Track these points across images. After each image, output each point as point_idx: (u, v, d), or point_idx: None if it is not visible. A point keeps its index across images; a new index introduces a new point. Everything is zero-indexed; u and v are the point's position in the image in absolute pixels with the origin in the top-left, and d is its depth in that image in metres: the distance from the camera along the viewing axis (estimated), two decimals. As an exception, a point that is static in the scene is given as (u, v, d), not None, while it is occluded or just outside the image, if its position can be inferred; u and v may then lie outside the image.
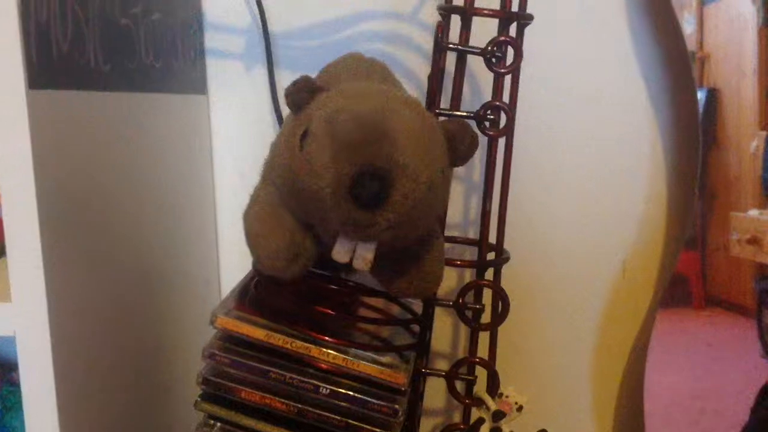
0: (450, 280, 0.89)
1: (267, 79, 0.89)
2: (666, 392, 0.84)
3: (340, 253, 0.54)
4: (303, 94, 0.56)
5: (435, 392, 0.88)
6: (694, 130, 0.83)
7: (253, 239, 0.58)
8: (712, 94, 0.84)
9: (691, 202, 0.86)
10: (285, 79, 0.89)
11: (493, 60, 0.65)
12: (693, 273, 0.86)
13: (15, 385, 0.84)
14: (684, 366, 0.82)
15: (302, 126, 0.54)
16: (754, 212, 0.82)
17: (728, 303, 0.83)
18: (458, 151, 0.57)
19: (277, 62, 0.90)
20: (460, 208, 0.91)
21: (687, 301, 0.85)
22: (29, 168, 0.52)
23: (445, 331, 0.93)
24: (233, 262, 0.94)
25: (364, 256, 0.54)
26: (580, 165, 0.89)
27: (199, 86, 0.90)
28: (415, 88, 0.87)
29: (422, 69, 0.85)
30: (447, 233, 0.72)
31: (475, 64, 0.70)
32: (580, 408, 0.95)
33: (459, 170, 0.89)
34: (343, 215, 0.51)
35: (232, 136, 0.93)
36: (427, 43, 0.86)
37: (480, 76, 0.85)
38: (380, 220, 0.51)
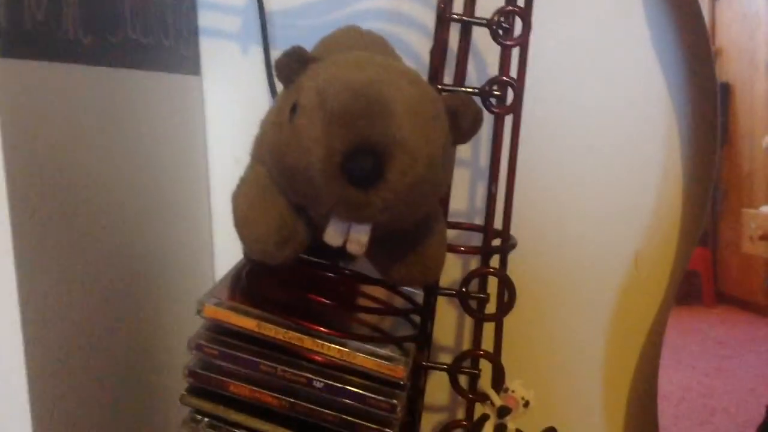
0: (453, 269, 0.86)
1: (263, 60, 0.86)
2: (676, 391, 0.83)
3: (332, 235, 0.50)
4: (294, 65, 0.52)
5: (437, 388, 0.84)
6: (713, 118, 0.80)
7: (240, 222, 0.54)
8: (725, 89, 0.82)
9: (708, 193, 0.82)
10: (282, 59, 0.85)
11: (500, 32, 0.61)
12: (704, 270, 0.84)
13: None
14: (695, 364, 0.80)
15: (292, 99, 0.51)
16: (766, 208, 0.81)
17: (740, 300, 0.82)
18: (461, 127, 0.53)
19: (274, 42, 0.86)
20: (464, 192, 0.87)
21: (698, 298, 0.84)
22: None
23: (447, 323, 0.89)
24: (228, 251, 0.91)
25: (358, 238, 0.50)
26: (592, 147, 0.85)
27: (193, 67, 0.86)
28: (416, 66, 0.82)
29: (424, 47, 0.81)
30: (450, 220, 0.68)
31: (481, 37, 0.66)
32: (590, 404, 0.91)
33: (462, 151, 0.85)
34: (334, 194, 0.47)
35: (227, 120, 0.90)
36: (430, 21, 0.82)
37: (486, 51, 0.81)
38: (375, 199, 0.47)
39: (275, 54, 0.85)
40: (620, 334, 0.89)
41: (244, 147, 0.87)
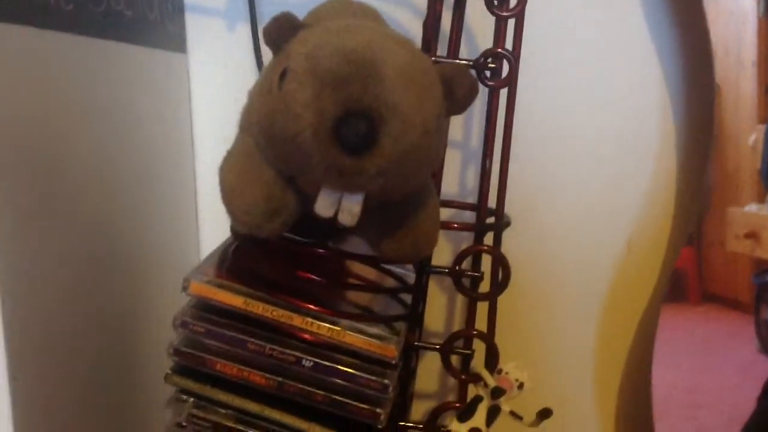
0: (444, 249, 0.83)
1: (251, 38, 0.83)
2: (662, 387, 0.83)
3: (323, 206, 0.48)
4: (283, 31, 0.51)
5: (427, 371, 0.82)
6: (708, 104, 0.79)
7: (227, 193, 0.52)
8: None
9: (702, 179, 0.81)
10: (270, 38, 0.83)
11: (495, 1, 0.59)
12: (689, 268, 0.84)
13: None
14: (680, 361, 0.80)
15: (281, 65, 0.49)
16: (752, 207, 0.80)
17: (725, 299, 0.82)
18: (455, 97, 0.51)
19: (262, 20, 0.84)
20: (454, 172, 0.85)
21: (683, 296, 0.84)
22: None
23: (436, 305, 0.87)
24: (213, 230, 0.88)
25: (350, 209, 0.48)
26: (587, 125, 0.84)
27: (178, 44, 0.84)
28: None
29: (415, 22, 0.79)
30: (441, 199, 0.66)
31: (475, 8, 0.64)
32: (582, 385, 0.90)
33: (454, 126, 0.83)
34: (325, 161, 0.45)
35: (214, 99, 0.87)
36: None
37: (480, 23, 0.78)
38: (368, 166, 0.45)
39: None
40: (613, 317, 0.88)
41: (231, 127, 0.85)
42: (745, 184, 0.80)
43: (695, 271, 0.83)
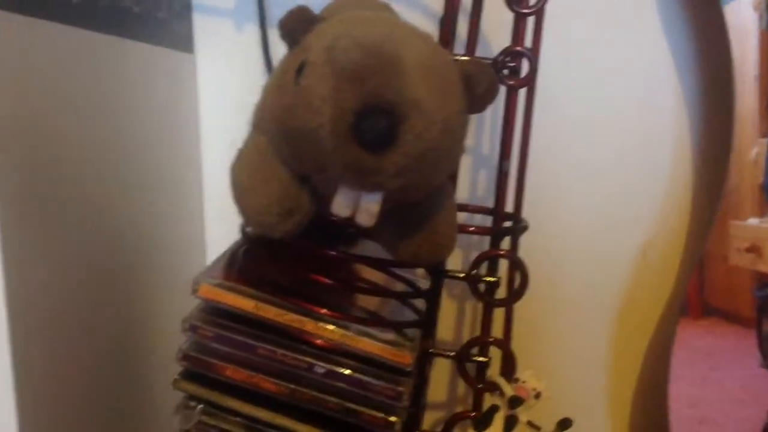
0: (456, 254, 0.82)
1: (259, 38, 0.82)
2: None
3: (341, 205, 0.46)
4: (300, 24, 0.49)
5: (435, 380, 0.80)
6: (728, 110, 0.77)
7: (240, 193, 0.50)
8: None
9: (721, 186, 0.80)
10: (278, 39, 0.81)
11: (514, -2, 0.58)
12: (691, 282, 0.83)
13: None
14: (682, 375, 0.79)
15: (298, 59, 0.47)
16: (753, 221, 0.79)
17: (726, 312, 0.81)
18: (475, 94, 0.49)
19: (271, 20, 0.82)
20: (465, 173, 0.83)
21: (684, 310, 0.82)
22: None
23: (445, 313, 0.85)
24: (220, 234, 0.87)
25: (368, 208, 0.46)
26: (603, 128, 0.82)
27: (186, 44, 0.82)
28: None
29: (429, 21, 0.77)
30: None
31: (494, 4, 0.63)
32: (595, 395, 0.88)
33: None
34: (344, 158, 0.44)
35: (221, 101, 0.86)
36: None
37: (499, 20, 0.77)
38: (388, 164, 0.43)
39: (272, 31, 0.82)
40: (628, 325, 0.86)
41: (238, 128, 0.84)
42: (747, 198, 0.79)
43: (697, 284, 0.82)
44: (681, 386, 0.79)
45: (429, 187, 0.50)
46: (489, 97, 0.50)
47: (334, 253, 0.59)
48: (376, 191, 0.46)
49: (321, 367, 0.56)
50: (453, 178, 0.62)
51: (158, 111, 0.74)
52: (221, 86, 0.85)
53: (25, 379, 0.49)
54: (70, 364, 0.56)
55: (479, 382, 0.65)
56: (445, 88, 0.46)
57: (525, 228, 0.65)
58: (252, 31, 0.83)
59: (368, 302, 0.64)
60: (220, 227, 0.87)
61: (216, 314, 0.57)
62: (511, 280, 0.65)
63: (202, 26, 0.84)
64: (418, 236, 0.52)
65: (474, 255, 0.84)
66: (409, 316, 0.65)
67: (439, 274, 0.65)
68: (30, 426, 0.50)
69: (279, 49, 0.81)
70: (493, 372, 0.66)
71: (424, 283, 0.69)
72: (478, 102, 0.50)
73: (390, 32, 0.46)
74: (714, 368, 0.80)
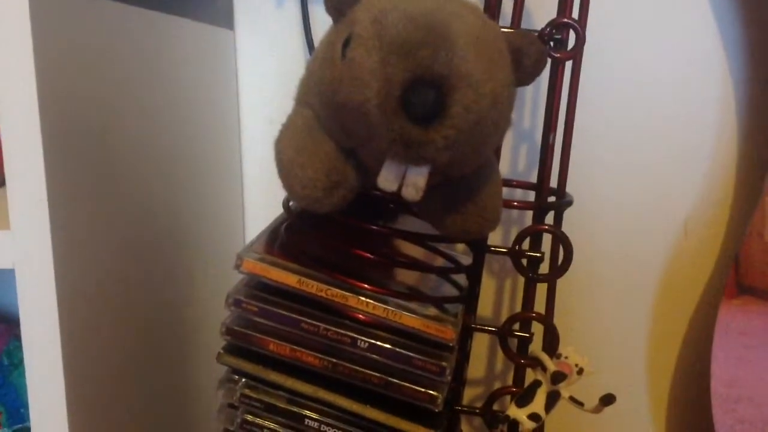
0: (496, 231, 0.82)
1: (300, 14, 0.81)
2: None
3: (387, 179, 0.46)
4: None
5: (474, 355, 0.80)
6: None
7: (286, 167, 0.50)
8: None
9: (766, 159, 0.78)
10: (319, 14, 0.81)
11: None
12: None
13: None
14: (717, 354, 0.77)
15: (344, 32, 0.46)
16: None
17: (761, 291, 0.78)
18: (523, 66, 0.49)
19: (311, -2, 0.82)
20: (506, 151, 0.82)
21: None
22: (31, 77, 0.44)
23: (485, 289, 0.84)
24: (259, 210, 0.87)
25: (415, 182, 0.46)
26: (647, 102, 0.81)
27: (226, 19, 0.82)
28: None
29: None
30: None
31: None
32: (635, 372, 0.87)
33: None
34: (392, 131, 0.43)
35: (261, 78, 0.85)
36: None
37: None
38: (436, 136, 0.43)
39: (313, 8, 0.81)
40: (669, 302, 0.85)
41: (277, 106, 0.84)
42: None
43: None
44: (716, 365, 0.78)
45: (476, 161, 0.49)
46: (537, 70, 0.50)
47: (376, 227, 0.59)
48: (423, 164, 0.45)
49: (364, 341, 0.56)
50: (497, 152, 0.62)
51: (198, 86, 0.74)
52: (260, 62, 0.85)
53: (73, 353, 0.50)
54: (115, 338, 0.57)
55: (522, 358, 0.65)
56: (493, 60, 0.45)
57: (570, 203, 0.65)
58: (292, 7, 0.83)
59: (408, 277, 0.64)
60: (259, 202, 0.87)
61: (259, 289, 0.57)
62: (554, 256, 0.64)
63: (242, 2, 0.84)
64: (466, 211, 0.52)
65: (513, 230, 0.84)
66: (449, 291, 0.65)
67: (481, 249, 0.64)
68: (77, 398, 0.50)
69: (319, 27, 0.81)
70: (534, 348, 0.65)
71: (464, 259, 0.68)
72: (526, 74, 0.49)
73: (438, 4, 0.45)
74: (749, 347, 0.79)
